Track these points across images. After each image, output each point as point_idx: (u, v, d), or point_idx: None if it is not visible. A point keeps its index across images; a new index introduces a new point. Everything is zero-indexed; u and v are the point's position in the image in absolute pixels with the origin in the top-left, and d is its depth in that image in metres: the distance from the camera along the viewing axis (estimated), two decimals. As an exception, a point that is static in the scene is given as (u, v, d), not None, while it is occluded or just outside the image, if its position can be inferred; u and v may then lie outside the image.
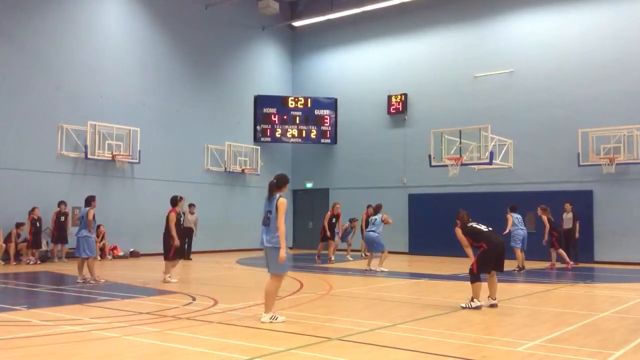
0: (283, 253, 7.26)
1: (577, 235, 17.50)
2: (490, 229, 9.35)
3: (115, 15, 19.98)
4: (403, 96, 22.93)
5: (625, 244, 18.13)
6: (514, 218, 15.39)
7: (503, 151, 18.62)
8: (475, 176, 20.11)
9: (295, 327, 7.04)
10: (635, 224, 18.08)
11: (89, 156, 18.24)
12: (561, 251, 15.92)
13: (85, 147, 18.20)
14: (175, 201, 12.58)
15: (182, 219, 12.98)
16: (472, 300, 8.78)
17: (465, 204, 20.02)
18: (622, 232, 18.19)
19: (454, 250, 19.00)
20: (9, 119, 16.85)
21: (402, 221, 21.77)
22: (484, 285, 8.91)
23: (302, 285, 11.61)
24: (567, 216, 17.60)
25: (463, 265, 17.09)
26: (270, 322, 7.27)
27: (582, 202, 18.71)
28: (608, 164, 18.00)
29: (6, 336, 6.54)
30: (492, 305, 8.85)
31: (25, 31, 17.46)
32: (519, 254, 15.20)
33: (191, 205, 19.03)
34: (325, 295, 10.33)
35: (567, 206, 17.70)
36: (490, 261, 8.87)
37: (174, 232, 12.07)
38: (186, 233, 17.79)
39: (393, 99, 23.19)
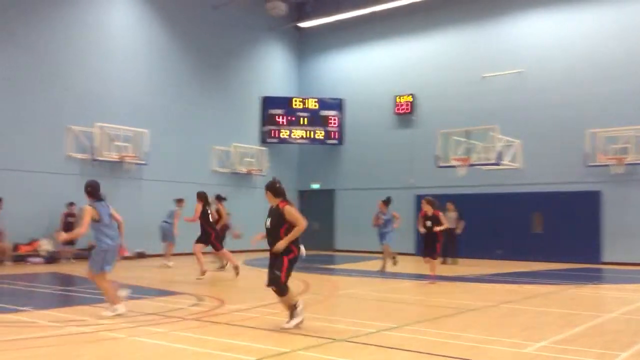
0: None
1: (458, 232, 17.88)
2: None
3: (123, 17, 20.07)
4: (410, 97, 22.90)
5: (633, 245, 18.00)
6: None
7: (511, 152, 18.54)
8: (483, 177, 20.03)
9: (301, 328, 7.03)
10: (644, 225, 17.97)
11: (96, 158, 18.31)
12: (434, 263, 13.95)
13: (93, 148, 18.29)
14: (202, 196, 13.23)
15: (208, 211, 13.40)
16: None
17: (473, 205, 20.24)
18: (631, 232, 18.07)
19: (462, 250, 19.12)
20: (18, 120, 16.94)
21: (410, 222, 21.70)
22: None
23: (307, 286, 11.61)
24: (451, 215, 17.75)
25: (470, 267, 17.07)
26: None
27: (590, 202, 18.62)
28: (616, 165, 17.90)
29: (12, 337, 6.57)
30: None
31: (34, 33, 17.56)
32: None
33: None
34: (330, 296, 10.32)
35: (450, 206, 17.99)
36: None
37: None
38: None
39: (400, 100, 23.16)
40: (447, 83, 22.12)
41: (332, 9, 23.72)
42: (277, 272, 6.97)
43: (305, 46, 26.45)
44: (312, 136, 24.60)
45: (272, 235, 7.05)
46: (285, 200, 7.18)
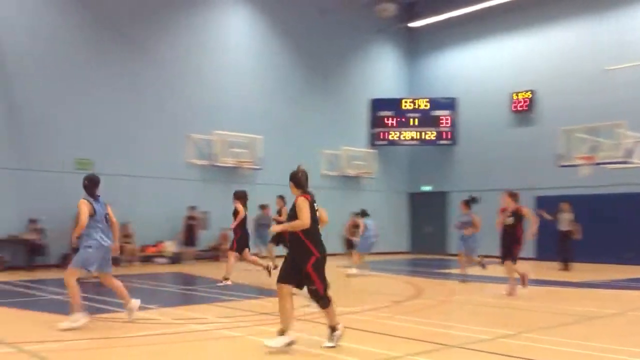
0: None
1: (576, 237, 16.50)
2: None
3: (237, 29, 20.94)
4: (529, 93, 21.86)
5: None
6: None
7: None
8: (608, 176, 18.60)
9: (412, 333, 6.92)
10: None
11: (215, 164, 19.25)
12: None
13: (213, 155, 19.24)
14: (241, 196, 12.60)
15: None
16: None
17: (597, 206, 18.91)
18: None
19: (586, 255, 17.91)
20: (144, 130, 18.19)
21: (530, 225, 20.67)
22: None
23: (420, 290, 11.42)
24: (565, 217, 16.33)
25: (593, 272, 15.95)
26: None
27: None
28: None
29: (139, 333, 7.03)
30: None
31: (157, 46, 18.80)
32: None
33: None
34: (444, 301, 10.07)
35: (564, 206, 16.53)
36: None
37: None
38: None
39: (517, 97, 22.18)
40: (568, 78, 20.85)
41: (442, 7, 23.21)
42: (312, 287, 6.21)
43: (416, 46, 26.11)
44: (423, 137, 24.22)
45: (290, 232, 6.33)
46: (306, 193, 6.38)
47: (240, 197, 12.56)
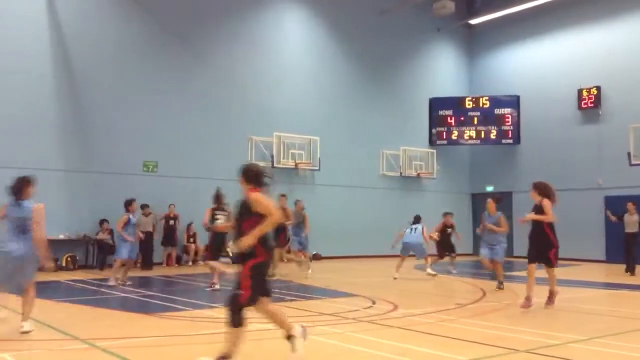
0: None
1: None
2: None
3: (296, 31, 21.13)
4: (596, 89, 21.02)
5: None
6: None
7: None
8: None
9: (478, 337, 6.75)
10: None
11: (275, 165, 19.47)
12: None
13: (272, 156, 19.47)
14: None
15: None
16: None
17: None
18: None
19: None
20: (209, 133, 18.61)
21: (598, 226, 19.88)
22: None
23: (484, 293, 11.16)
24: (631, 218, 15.00)
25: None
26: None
27: None
28: None
29: (206, 331, 7.19)
30: None
31: (217, 51, 19.22)
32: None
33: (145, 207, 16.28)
34: (511, 304, 9.79)
35: (630, 206, 15.08)
36: None
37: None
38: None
39: (584, 93, 21.36)
40: (635, 72, 19.92)
41: (502, 3, 22.67)
42: (237, 291, 5.09)
43: (476, 43, 25.58)
44: (484, 136, 23.69)
45: (236, 232, 5.42)
46: (258, 188, 5.50)
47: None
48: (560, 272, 13.89)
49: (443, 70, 25.16)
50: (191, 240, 18.01)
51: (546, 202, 8.80)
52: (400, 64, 23.73)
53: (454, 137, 23.94)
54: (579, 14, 21.79)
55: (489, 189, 24.46)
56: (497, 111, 23.58)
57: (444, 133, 24.01)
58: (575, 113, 21.69)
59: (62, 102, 16.41)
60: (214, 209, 11.76)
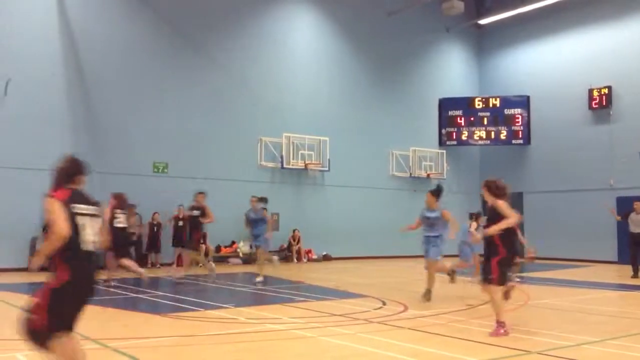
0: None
1: None
2: None
3: (305, 32, 21.15)
4: (607, 89, 20.87)
5: None
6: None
7: None
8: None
9: (491, 338, 6.72)
10: None
11: (284, 166, 19.49)
12: None
13: (282, 157, 19.49)
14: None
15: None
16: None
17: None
18: None
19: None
20: (219, 134, 18.67)
21: (610, 227, 19.72)
22: None
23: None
24: (638, 218, 14.52)
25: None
26: None
27: None
28: None
29: (217, 332, 7.20)
30: None
31: (227, 52, 19.27)
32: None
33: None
34: (523, 305, 9.74)
35: (637, 205, 14.54)
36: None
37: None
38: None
39: (595, 93, 21.23)
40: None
41: (512, 2, 22.56)
42: (30, 315, 4.12)
43: (485, 43, 25.49)
44: (494, 137, 23.60)
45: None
46: (65, 189, 4.46)
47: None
48: (571, 273, 13.84)
49: (452, 71, 25.08)
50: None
51: (502, 203, 7.14)
52: (410, 64, 23.68)
53: (463, 137, 23.86)
54: (589, 14, 21.66)
55: (499, 189, 24.31)
56: (507, 111, 23.48)
57: (454, 133, 23.93)
58: (586, 113, 21.55)
59: (73, 104, 16.51)
60: (114, 207, 12.17)
